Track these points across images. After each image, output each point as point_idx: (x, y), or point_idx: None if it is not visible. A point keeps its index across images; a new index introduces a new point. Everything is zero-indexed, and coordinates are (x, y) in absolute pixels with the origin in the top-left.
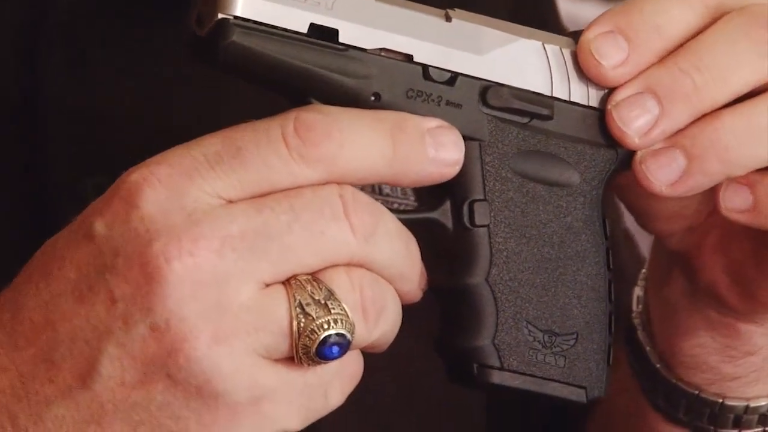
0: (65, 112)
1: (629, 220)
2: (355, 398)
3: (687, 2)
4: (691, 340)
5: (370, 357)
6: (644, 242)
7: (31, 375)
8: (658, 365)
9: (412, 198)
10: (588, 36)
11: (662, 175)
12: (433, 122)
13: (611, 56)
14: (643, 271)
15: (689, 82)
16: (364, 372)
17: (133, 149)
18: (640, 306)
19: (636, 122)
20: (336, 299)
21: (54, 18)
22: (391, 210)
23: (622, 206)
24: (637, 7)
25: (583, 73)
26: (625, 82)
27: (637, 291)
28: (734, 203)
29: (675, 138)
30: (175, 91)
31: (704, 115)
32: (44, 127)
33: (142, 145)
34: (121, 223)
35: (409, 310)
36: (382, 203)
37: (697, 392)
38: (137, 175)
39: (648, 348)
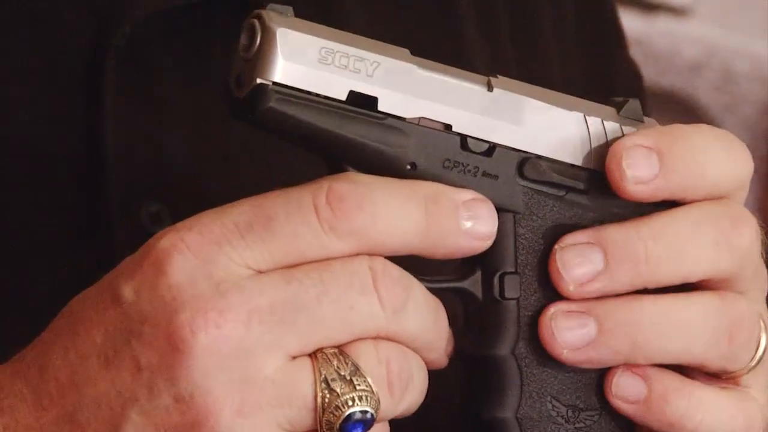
0: (125, 137)
1: None
2: None
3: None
4: None
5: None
6: None
7: None
8: None
9: None
10: (627, 142)
11: (568, 338)
12: (467, 195)
13: (640, 171)
14: None
15: (642, 250)
16: None
17: (190, 178)
18: None
19: (576, 270)
20: (362, 375)
21: (116, 43)
22: (421, 279)
23: None
24: (683, 135)
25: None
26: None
27: None
28: (626, 392)
29: (592, 304)
30: (235, 123)
31: (627, 294)
32: (104, 150)
33: (198, 175)
34: (149, 289)
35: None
36: None
37: None
38: (167, 240)
39: None
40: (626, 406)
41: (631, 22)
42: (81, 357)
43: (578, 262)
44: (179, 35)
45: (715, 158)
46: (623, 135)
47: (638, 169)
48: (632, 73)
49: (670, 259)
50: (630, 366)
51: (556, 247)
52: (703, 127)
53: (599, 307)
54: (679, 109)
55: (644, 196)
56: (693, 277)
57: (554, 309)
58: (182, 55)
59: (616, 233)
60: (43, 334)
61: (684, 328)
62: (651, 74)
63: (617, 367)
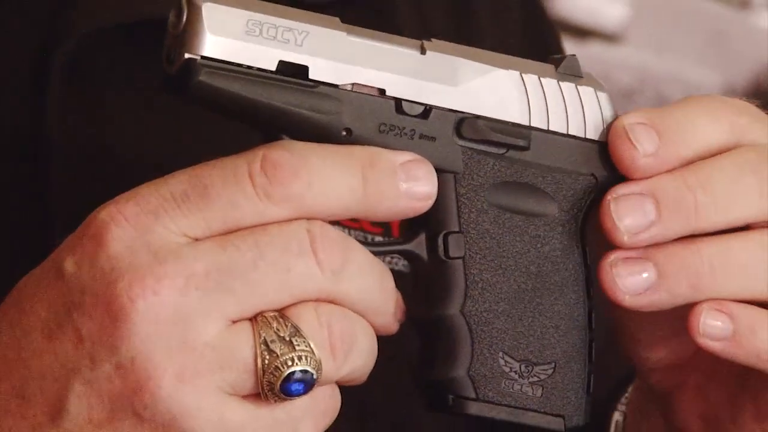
0: (71, 146)
1: None
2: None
3: (716, 120)
4: None
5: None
6: None
7: (4, 410)
8: None
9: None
10: (624, 121)
11: (630, 283)
12: (404, 156)
13: (645, 145)
14: (624, 396)
15: (692, 199)
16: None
17: (137, 185)
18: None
19: (629, 220)
20: (301, 336)
21: (63, 52)
22: (365, 243)
23: None
24: (669, 110)
25: (563, 102)
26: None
27: (616, 416)
28: (714, 331)
29: (650, 251)
30: (184, 127)
31: (684, 237)
32: (50, 160)
33: (146, 181)
34: (89, 261)
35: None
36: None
37: None
38: (105, 213)
39: None
40: (714, 344)
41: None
42: (26, 332)
43: (632, 212)
44: (126, 50)
45: (700, 119)
46: (561, 90)
47: (644, 144)
48: None
49: (719, 206)
50: (713, 305)
51: (608, 197)
52: (688, 98)
53: (658, 252)
54: None
55: (655, 169)
56: (741, 221)
57: (614, 256)
58: (129, 69)
59: (667, 183)
60: None
61: (742, 266)
62: None
63: (698, 307)
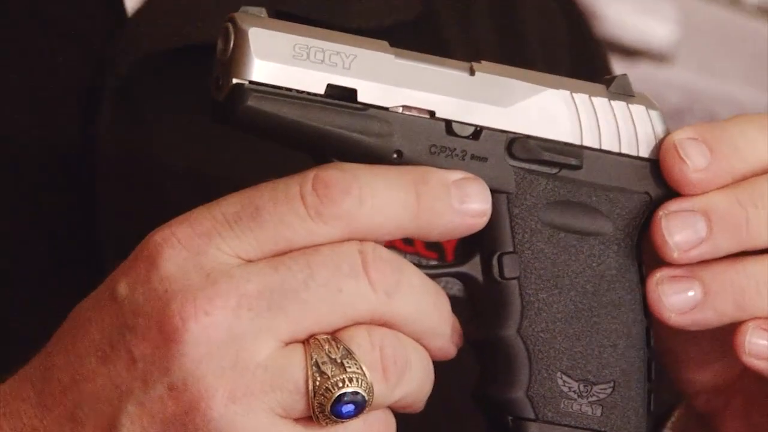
0: (121, 170)
1: None
2: None
3: None
4: None
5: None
6: None
7: None
8: None
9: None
10: (675, 137)
11: (675, 301)
12: (457, 174)
13: (695, 159)
14: (671, 420)
15: (743, 216)
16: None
17: (184, 209)
18: None
19: (680, 236)
20: (353, 358)
21: (112, 78)
22: (419, 266)
23: None
24: (721, 126)
25: (614, 120)
26: (683, 196)
27: None
28: (759, 349)
29: (696, 268)
30: (232, 152)
31: (729, 256)
32: (100, 185)
33: (193, 206)
34: (143, 283)
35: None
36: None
37: None
38: (159, 235)
39: None
40: (759, 363)
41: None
42: (80, 356)
43: (683, 229)
44: (175, 75)
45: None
46: (612, 109)
47: (695, 159)
48: None
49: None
50: (759, 323)
51: (659, 213)
52: (741, 115)
53: (703, 270)
54: None
55: (706, 184)
56: None
57: (660, 274)
58: (178, 94)
59: (718, 200)
60: (51, 338)
61: None
62: None
63: (744, 326)
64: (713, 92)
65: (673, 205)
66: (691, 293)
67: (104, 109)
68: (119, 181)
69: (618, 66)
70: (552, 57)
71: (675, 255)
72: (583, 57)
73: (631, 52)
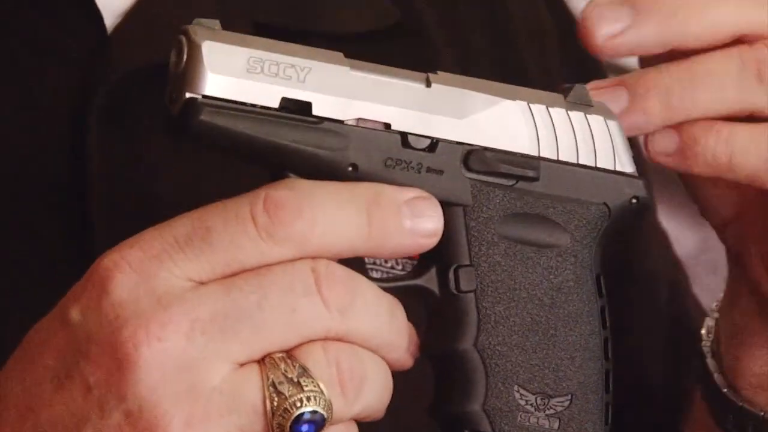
0: (110, 189)
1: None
2: None
3: None
4: (757, 359)
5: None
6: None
7: None
8: (725, 390)
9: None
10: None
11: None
12: (410, 193)
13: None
14: (715, 303)
15: (670, 2)
16: None
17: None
18: (711, 335)
19: (605, 25)
20: (309, 376)
21: (101, 93)
22: (375, 279)
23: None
24: None
25: (572, 131)
26: None
27: (708, 321)
28: (661, 144)
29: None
30: (222, 168)
31: None
32: (91, 202)
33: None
34: (94, 309)
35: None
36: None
37: (762, 413)
38: (108, 260)
39: (715, 374)
40: (666, 159)
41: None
42: (36, 382)
43: (607, 16)
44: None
45: None
46: (569, 119)
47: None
48: None
49: (695, 12)
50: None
51: (587, 5)
52: None
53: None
54: (660, 174)
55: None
56: (722, 33)
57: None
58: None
59: None
60: (6, 363)
61: (709, 76)
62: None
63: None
64: None
65: None
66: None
67: (92, 127)
68: (111, 200)
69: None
70: (542, 50)
71: (599, 42)
72: (573, 49)
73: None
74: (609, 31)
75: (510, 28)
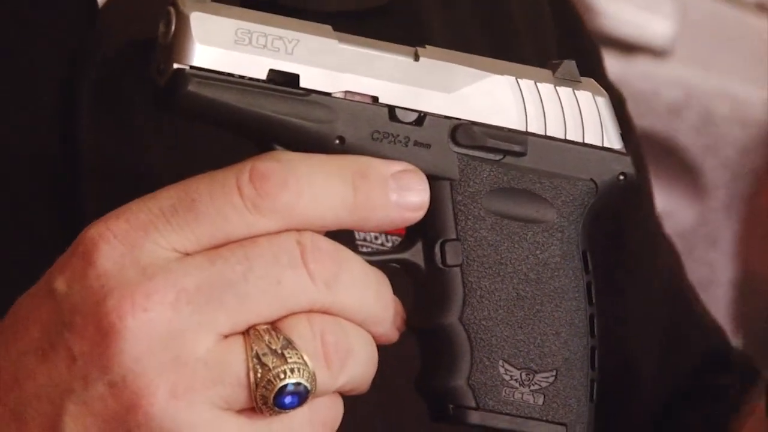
0: (101, 170)
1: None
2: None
3: None
4: None
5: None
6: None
7: None
8: None
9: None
10: None
11: None
12: (396, 166)
13: None
14: None
15: None
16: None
17: None
18: None
19: None
20: (294, 348)
21: (90, 75)
22: (362, 252)
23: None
24: None
25: (560, 106)
26: None
27: None
28: None
29: None
30: (214, 153)
31: None
32: (82, 182)
33: None
34: (79, 280)
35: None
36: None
37: None
38: (94, 231)
39: None
40: None
41: (609, 63)
42: (20, 353)
43: None
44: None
45: None
46: (557, 95)
47: None
48: (615, 96)
49: None
50: None
51: None
52: None
53: None
54: (659, 150)
55: None
56: None
57: None
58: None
59: None
60: None
61: None
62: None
63: None
64: (711, 88)
65: None
66: None
67: (82, 104)
68: (102, 176)
69: (615, 61)
70: (541, 42)
71: None
72: (573, 48)
73: (628, 48)
74: None
75: (510, 27)
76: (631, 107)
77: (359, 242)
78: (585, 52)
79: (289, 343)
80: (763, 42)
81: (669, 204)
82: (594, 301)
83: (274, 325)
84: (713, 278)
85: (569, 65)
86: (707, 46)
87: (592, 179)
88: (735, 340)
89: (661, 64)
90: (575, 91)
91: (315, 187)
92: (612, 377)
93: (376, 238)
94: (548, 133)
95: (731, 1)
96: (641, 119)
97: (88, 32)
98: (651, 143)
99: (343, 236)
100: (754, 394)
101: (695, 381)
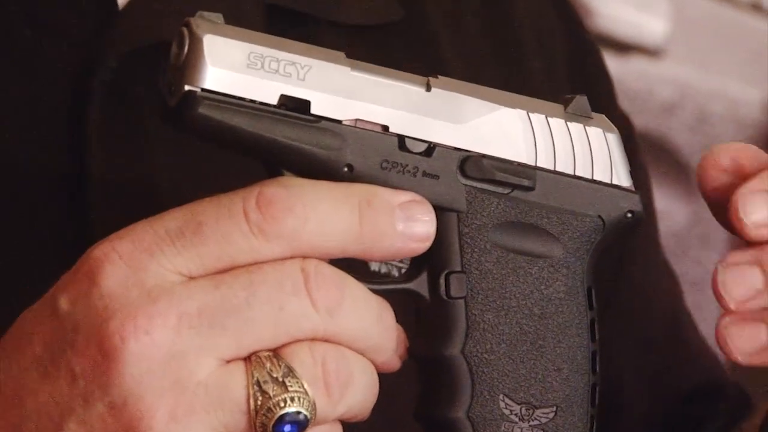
0: (110, 181)
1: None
2: None
3: None
4: None
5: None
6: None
7: None
8: None
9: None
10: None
11: (743, 344)
12: (404, 196)
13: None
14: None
15: None
16: None
17: (171, 206)
18: None
19: (736, 290)
20: (294, 376)
21: (102, 77)
22: (366, 281)
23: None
24: None
25: (570, 142)
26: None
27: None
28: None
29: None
30: (223, 160)
31: None
32: (88, 191)
33: (180, 203)
34: (83, 299)
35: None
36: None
37: None
38: (99, 250)
39: None
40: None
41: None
42: (22, 369)
43: (738, 282)
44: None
45: None
46: (568, 130)
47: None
48: (623, 121)
49: None
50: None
51: (718, 266)
52: None
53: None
54: (653, 149)
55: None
56: None
57: (726, 320)
58: None
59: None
60: None
61: None
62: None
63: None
64: (705, 87)
65: (730, 258)
66: (759, 336)
67: (94, 104)
68: (110, 189)
69: (611, 61)
70: (549, 54)
71: (732, 306)
72: (577, 55)
73: (623, 47)
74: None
75: (517, 38)
76: (626, 106)
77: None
78: (587, 52)
79: (290, 371)
80: (757, 42)
81: (663, 203)
82: (597, 338)
83: (275, 352)
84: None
85: (581, 101)
86: (702, 46)
87: (599, 216)
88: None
89: (656, 63)
90: (586, 127)
91: (321, 214)
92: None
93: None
94: (557, 168)
95: (726, 1)
96: (636, 118)
97: (101, 36)
98: (645, 142)
99: (357, 266)
100: (746, 428)
101: (685, 410)
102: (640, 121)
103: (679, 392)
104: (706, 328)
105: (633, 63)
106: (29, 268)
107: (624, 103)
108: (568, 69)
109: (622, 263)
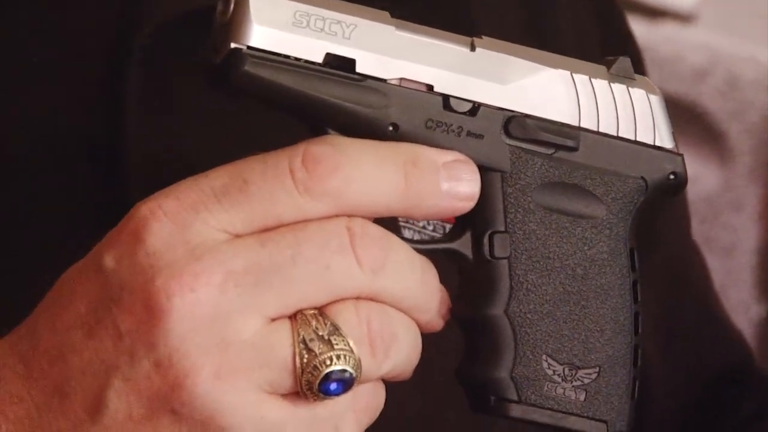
0: (144, 135)
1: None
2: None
3: None
4: None
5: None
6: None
7: (45, 407)
8: None
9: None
10: None
11: None
12: (448, 156)
13: None
14: None
15: None
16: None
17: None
18: None
19: None
20: (340, 334)
21: (140, 42)
22: (411, 240)
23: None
24: None
25: (613, 103)
26: None
27: None
28: None
29: None
30: (258, 134)
31: None
32: (124, 164)
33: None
34: (128, 257)
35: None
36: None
37: None
38: (145, 208)
39: None
40: None
41: (635, 28)
42: (67, 328)
43: None
44: (200, 36)
45: None
46: (612, 92)
47: None
48: None
49: None
50: None
51: None
52: None
53: None
54: (683, 115)
55: None
56: None
57: None
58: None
59: None
60: (36, 309)
61: None
62: (655, 81)
63: None
64: (736, 53)
65: None
66: None
67: (130, 73)
68: (146, 160)
69: (641, 26)
70: (578, 18)
71: None
72: (605, 18)
73: (654, 12)
74: None
75: (553, 26)
76: (657, 72)
77: (402, 223)
78: (616, 16)
79: (335, 329)
80: None
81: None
82: (639, 299)
83: (321, 311)
84: (738, 243)
85: (624, 62)
86: (733, 11)
87: (642, 177)
88: (760, 308)
89: (686, 28)
90: (629, 88)
91: (366, 173)
92: None
93: (425, 226)
94: (601, 129)
95: None
96: (666, 84)
97: (135, 4)
98: (676, 108)
99: (387, 222)
100: None
101: (711, 392)
102: (670, 86)
103: (706, 374)
104: (736, 293)
105: (663, 28)
106: (65, 233)
107: (654, 68)
108: (599, 32)
109: (653, 240)
